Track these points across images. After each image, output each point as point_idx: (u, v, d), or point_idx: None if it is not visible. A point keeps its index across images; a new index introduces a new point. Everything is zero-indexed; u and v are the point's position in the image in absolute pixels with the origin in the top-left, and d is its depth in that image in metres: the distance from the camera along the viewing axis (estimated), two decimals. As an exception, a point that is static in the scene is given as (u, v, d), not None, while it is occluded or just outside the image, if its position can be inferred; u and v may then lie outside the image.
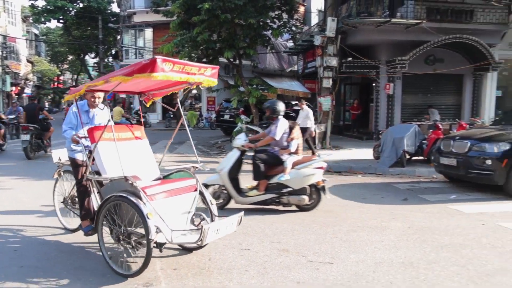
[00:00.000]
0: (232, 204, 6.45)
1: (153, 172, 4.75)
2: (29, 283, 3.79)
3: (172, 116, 27.45)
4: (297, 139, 6.52)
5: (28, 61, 44.54)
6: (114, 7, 42.35)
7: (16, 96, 39.54)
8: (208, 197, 4.49)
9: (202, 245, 4.12)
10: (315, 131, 12.75)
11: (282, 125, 6.42)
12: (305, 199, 6.26)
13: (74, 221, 5.20)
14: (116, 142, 4.20)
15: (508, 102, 18.38)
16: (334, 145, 14.39)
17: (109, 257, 4.08)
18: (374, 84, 17.09)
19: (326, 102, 14.02)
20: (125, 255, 4.04)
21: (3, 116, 15.24)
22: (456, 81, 17.48)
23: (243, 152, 6.50)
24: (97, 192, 4.47)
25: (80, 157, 4.82)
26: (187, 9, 15.17)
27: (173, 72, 3.66)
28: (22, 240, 5.04)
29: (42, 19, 36.71)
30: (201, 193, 4.44)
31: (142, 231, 3.81)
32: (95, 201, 4.60)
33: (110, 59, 42.10)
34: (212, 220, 4.33)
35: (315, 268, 4.15)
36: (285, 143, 6.45)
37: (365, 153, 12.40)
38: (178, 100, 4.84)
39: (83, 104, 4.95)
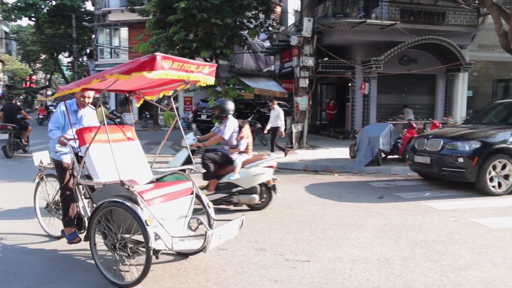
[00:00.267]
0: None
1: (146, 174, 4.53)
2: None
3: (148, 116, 27.13)
4: (247, 138, 6.52)
5: (-2, 59, 43.31)
6: (89, 5, 41.71)
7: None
8: (205, 200, 4.34)
9: (205, 252, 3.86)
10: (285, 131, 12.79)
11: (231, 124, 6.39)
12: (256, 198, 6.24)
13: (59, 228, 4.91)
14: (110, 144, 3.95)
15: (478, 102, 18.90)
16: (311, 144, 14.49)
17: (102, 266, 3.87)
18: (350, 84, 17.32)
19: (303, 102, 14.10)
20: (120, 264, 3.88)
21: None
22: (429, 81, 17.88)
23: (192, 152, 6.34)
24: (88, 198, 4.23)
25: (67, 159, 4.58)
26: (163, 8, 15.05)
27: (172, 70, 3.48)
28: (3, 248, 4.76)
29: (13, 16, 35.64)
30: (197, 196, 4.28)
31: (139, 238, 3.66)
32: (83, 207, 4.39)
33: (85, 58, 41.32)
34: (209, 224, 4.21)
35: (292, 266, 4.16)
36: (234, 142, 6.44)
37: (342, 152, 12.54)
38: (171, 99, 4.60)
39: (71, 104, 4.67)
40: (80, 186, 4.34)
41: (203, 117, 19.98)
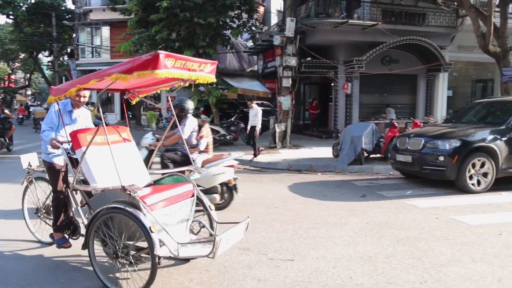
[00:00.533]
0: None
1: (144, 177, 4.34)
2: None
3: (131, 116, 26.85)
4: (207, 138, 6.47)
5: (-25, 58, 42.30)
6: (69, 4, 41.01)
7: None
8: (207, 202, 4.18)
9: (213, 258, 3.64)
10: (268, 130, 12.75)
11: (191, 123, 6.34)
12: (216, 198, 6.17)
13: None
14: (110, 146, 3.77)
15: (458, 102, 19.23)
16: (294, 144, 14.54)
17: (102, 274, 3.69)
18: (332, 84, 17.42)
19: (286, 102, 14.14)
20: (121, 271, 3.72)
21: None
22: (410, 81, 18.12)
23: (151, 152, 6.20)
24: (85, 204, 3.98)
25: (59, 161, 4.36)
26: (145, 7, 14.93)
27: (175, 69, 3.33)
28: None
29: (-10, 14, 34.88)
30: (198, 199, 4.13)
31: (140, 245, 3.54)
32: (75, 211, 4.24)
33: (66, 58, 40.64)
34: (211, 226, 4.08)
35: (275, 265, 4.15)
36: (194, 142, 6.39)
37: (325, 151, 12.62)
38: (169, 98, 4.49)
39: (66, 103, 4.42)
40: (74, 191, 4.16)
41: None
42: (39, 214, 4.86)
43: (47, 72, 48.40)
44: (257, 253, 4.51)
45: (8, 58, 53.61)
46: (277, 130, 14.02)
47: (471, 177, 7.48)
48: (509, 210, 6.33)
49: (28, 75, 56.01)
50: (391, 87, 17.98)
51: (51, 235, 4.47)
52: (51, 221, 4.53)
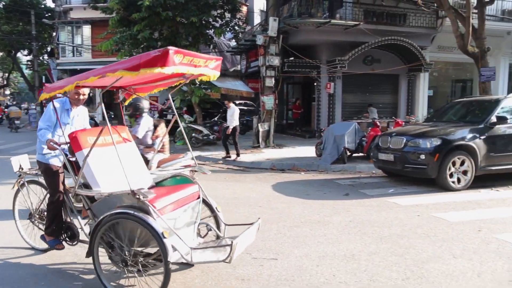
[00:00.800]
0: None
1: (146, 179, 4.14)
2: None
3: (113, 116, 26.51)
4: (162, 137, 6.34)
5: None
6: (49, 2, 40.30)
7: None
8: (214, 204, 4.04)
9: (229, 263, 3.44)
10: (251, 130, 12.63)
11: (145, 123, 6.21)
12: None
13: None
14: (116, 146, 3.57)
15: (438, 101, 19.55)
16: (278, 143, 14.57)
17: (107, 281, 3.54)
18: (315, 84, 17.51)
19: (269, 101, 14.16)
20: (129, 278, 3.58)
21: None
22: (392, 81, 18.35)
23: None
24: (87, 209, 3.76)
25: (57, 162, 4.13)
26: (127, 6, 14.76)
27: (182, 65, 3.17)
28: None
29: (-34, 11, 34.00)
30: (203, 200, 3.99)
31: (149, 250, 3.45)
32: (70, 215, 4.09)
33: (45, 57, 39.90)
34: (218, 228, 3.97)
35: (259, 264, 4.15)
36: (149, 141, 6.28)
37: (308, 150, 12.68)
38: (170, 96, 4.26)
39: (64, 102, 4.20)
40: (71, 195, 3.95)
41: (169, 117, 19.75)
42: (33, 219, 4.59)
43: (27, 72, 47.47)
44: (241, 252, 4.49)
45: (-15, 57, 52.41)
46: (260, 129, 14.03)
47: (451, 175, 7.60)
48: (488, 207, 6.45)
49: (7, 74, 54.79)
50: (373, 86, 18.17)
51: (42, 237, 4.27)
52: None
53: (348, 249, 4.57)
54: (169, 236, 3.22)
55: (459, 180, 7.65)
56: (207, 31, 16.39)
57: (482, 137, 7.74)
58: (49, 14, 35.82)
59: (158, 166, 5.93)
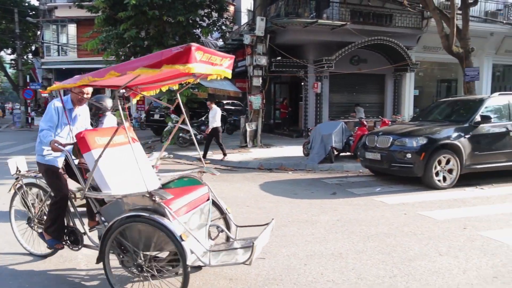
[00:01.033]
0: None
1: (154, 181, 3.98)
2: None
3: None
4: None
5: None
6: (33, 0, 39.70)
7: None
8: (223, 205, 3.97)
9: (249, 265, 3.35)
10: (238, 129, 12.53)
11: (109, 122, 6.07)
12: None
13: (44, 245, 4.26)
14: (132, 145, 3.44)
15: (424, 101, 19.79)
16: (265, 143, 14.57)
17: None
18: (302, 83, 17.56)
19: (256, 101, 14.16)
20: (143, 283, 3.44)
21: None
22: (379, 80, 18.50)
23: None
24: (96, 213, 3.63)
25: (59, 163, 3.98)
26: (113, 4, 14.59)
27: (201, 63, 3.03)
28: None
29: None
30: (213, 202, 3.91)
31: (162, 255, 3.38)
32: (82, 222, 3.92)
33: (30, 56, 39.35)
34: (228, 230, 3.90)
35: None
36: None
37: (295, 150, 12.72)
38: (178, 95, 4.09)
39: (66, 101, 4.03)
40: (80, 197, 3.81)
41: (156, 116, 19.65)
42: (32, 224, 4.38)
43: (10, 71, 46.72)
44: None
45: (-33, 56, 51.46)
46: (248, 129, 14.02)
47: (437, 174, 7.69)
48: (473, 205, 6.53)
49: (-10, 73, 53.88)
50: (360, 86, 18.30)
51: (41, 234, 4.09)
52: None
53: (336, 248, 4.59)
54: (187, 239, 3.13)
55: (444, 179, 7.74)
56: (194, 31, 16.31)
57: (467, 136, 7.84)
58: (33, 12, 35.30)
59: None
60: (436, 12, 12.43)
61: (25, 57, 37.58)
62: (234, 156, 11.96)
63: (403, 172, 7.97)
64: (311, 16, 16.08)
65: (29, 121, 27.64)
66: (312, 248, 4.60)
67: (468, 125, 7.98)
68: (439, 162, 7.68)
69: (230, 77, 3.60)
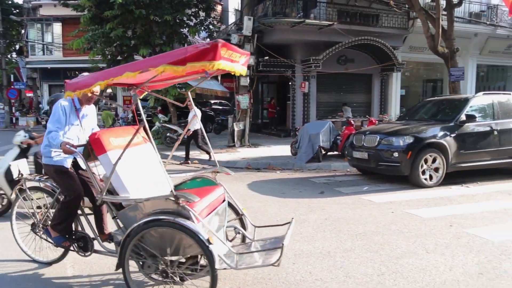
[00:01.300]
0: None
1: (168, 182, 3.78)
2: None
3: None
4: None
5: None
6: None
7: None
8: (239, 206, 3.90)
9: (278, 266, 3.28)
10: (226, 129, 12.44)
11: None
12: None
13: (47, 252, 4.15)
14: (153, 144, 3.38)
15: (410, 100, 19.98)
16: (253, 142, 14.56)
17: None
18: (290, 83, 17.60)
19: (244, 100, 14.14)
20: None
21: None
22: (366, 80, 18.62)
23: (24, 150, 5.77)
24: (113, 218, 3.48)
25: (67, 163, 3.81)
26: (99, 3, 14.46)
27: (224, 60, 2.91)
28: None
29: None
30: (229, 203, 3.83)
31: (182, 259, 3.26)
32: (93, 226, 3.80)
33: (14, 54, 38.74)
34: (244, 229, 3.83)
35: (236, 263, 4.12)
36: None
37: (283, 149, 12.74)
38: (189, 93, 4.00)
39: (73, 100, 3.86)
40: (98, 202, 3.60)
41: (143, 116, 19.52)
42: (36, 230, 4.13)
43: (-6, 70, 45.91)
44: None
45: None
46: (236, 129, 14.00)
47: (423, 172, 7.76)
48: (459, 203, 6.61)
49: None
50: (347, 86, 18.41)
51: (47, 231, 3.89)
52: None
53: (324, 247, 4.60)
54: (214, 242, 3.04)
55: (431, 177, 7.82)
56: (182, 30, 16.25)
57: (453, 135, 7.93)
58: (17, 10, 34.79)
59: None
60: (422, 12, 12.56)
61: (9, 56, 37.00)
62: (222, 155, 11.93)
63: (390, 171, 8.04)
64: (299, 16, 16.12)
65: (14, 121, 27.24)
66: (300, 247, 4.61)
67: (453, 124, 8.07)
68: (426, 161, 7.75)
69: (245, 74, 3.47)
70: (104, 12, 14.10)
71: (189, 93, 4.09)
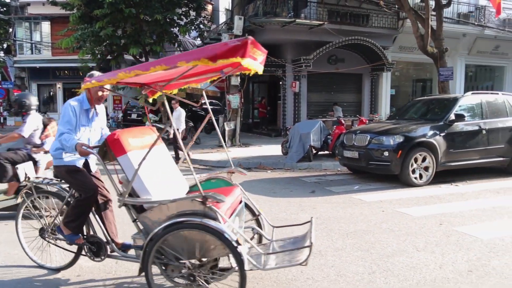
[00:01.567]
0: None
1: (183, 183, 3.75)
2: None
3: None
4: (53, 137, 5.79)
5: None
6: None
7: None
8: (256, 206, 3.84)
9: (305, 265, 3.20)
10: (214, 130, 12.39)
11: (32, 121, 5.71)
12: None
13: (56, 257, 4.03)
14: (185, 151, 3.29)
15: (400, 100, 20.14)
16: (244, 142, 14.55)
17: None
18: (281, 82, 17.63)
19: (234, 100, 14.13)
20: None
21: None
22: (356, 80, 18.73)
23: None
24: (133, 221, 3.31)
25: (79, 164, 3.71)
26: (88, 2, 14.37)
27: (250, 58, 2.79)
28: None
29: None
30: (245, 204, 3.77)
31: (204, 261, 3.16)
32: (105, 230, 3.68)
33: (1, 53, 38.24)
34: (261, 229, 3.81)
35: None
36: (38, 141, 5.74)
37: (274, 149, 12.74)
38: (204, 93, 3.90)
39: (82, 101, 3.69)
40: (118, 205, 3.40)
41: (133, 116, 19.45)
42: (45, 235, 3.96)
43: (-19, 69, 45.33)
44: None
45: None
46: (226, 128, 13.98)
47: (413, 171, 7.82)
48: (448, 201, 6.67)
49: (-41, 72, 52.09)
50: (337, 85, 18.48)
51: (59, 229, 3.74)
52: (60, 240, 3.83)
53: (315, 246, 4.59)
54: (243, 244, 2.98)
55: (421, 176, 7.88)
56: (172, 29, 16.19)
57: (442, 134, 8.00)
58: (5, 8, 34.31)
59: (47, 168, 5.61)
60: (411, 12, 12.65)
61: (-4, 55, 36.51)
62: (213, 155, 11.91)
63: (381, 170, 8.08)
64: (289, 15, 16.14)
65: (1, 121, 26.91)
66: (291, 246, 4.60)
67: (443, 123, 8.14)
68: (416, 160, 7.81)
69: (261, 73, 3.34)
70: (93, 11, 14.01)
71: (204, 93, 4.02)
